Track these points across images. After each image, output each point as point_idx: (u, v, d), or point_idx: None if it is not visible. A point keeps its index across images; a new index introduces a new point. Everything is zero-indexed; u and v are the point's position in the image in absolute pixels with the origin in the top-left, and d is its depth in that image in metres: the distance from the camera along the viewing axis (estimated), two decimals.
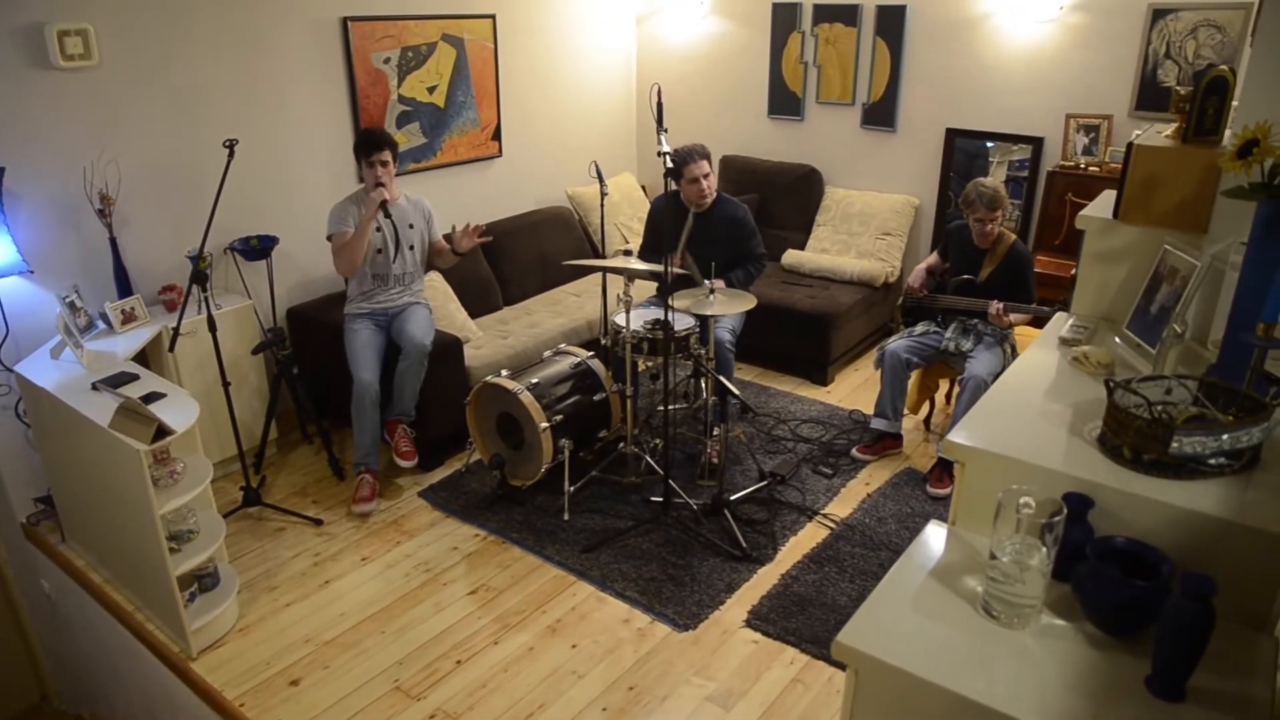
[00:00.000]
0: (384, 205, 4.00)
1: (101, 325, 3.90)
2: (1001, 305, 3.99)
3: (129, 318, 3.90)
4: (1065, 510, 1.53)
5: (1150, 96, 4.69)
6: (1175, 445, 1.65)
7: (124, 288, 3.99)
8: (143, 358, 3.87)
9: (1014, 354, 4.10)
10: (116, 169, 3.90)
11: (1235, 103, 2.26)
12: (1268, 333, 1.70)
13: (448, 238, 4.36)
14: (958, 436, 1.84)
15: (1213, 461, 1.67)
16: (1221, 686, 1.44)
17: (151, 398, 3.23)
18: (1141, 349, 2.18)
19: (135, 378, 3.43)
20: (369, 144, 4.02)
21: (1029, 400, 2.02)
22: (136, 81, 3.96)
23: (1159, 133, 2.47)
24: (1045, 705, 1.41)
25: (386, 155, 4.02)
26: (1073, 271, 2.59)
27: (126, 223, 4.03)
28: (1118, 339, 2.31)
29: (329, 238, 4.09)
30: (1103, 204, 2.56)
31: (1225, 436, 1.65)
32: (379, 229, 4.06)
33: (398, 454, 4.13)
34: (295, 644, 3.28)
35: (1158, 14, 4.59)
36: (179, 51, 4.08)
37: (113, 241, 3.93)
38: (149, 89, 4.01)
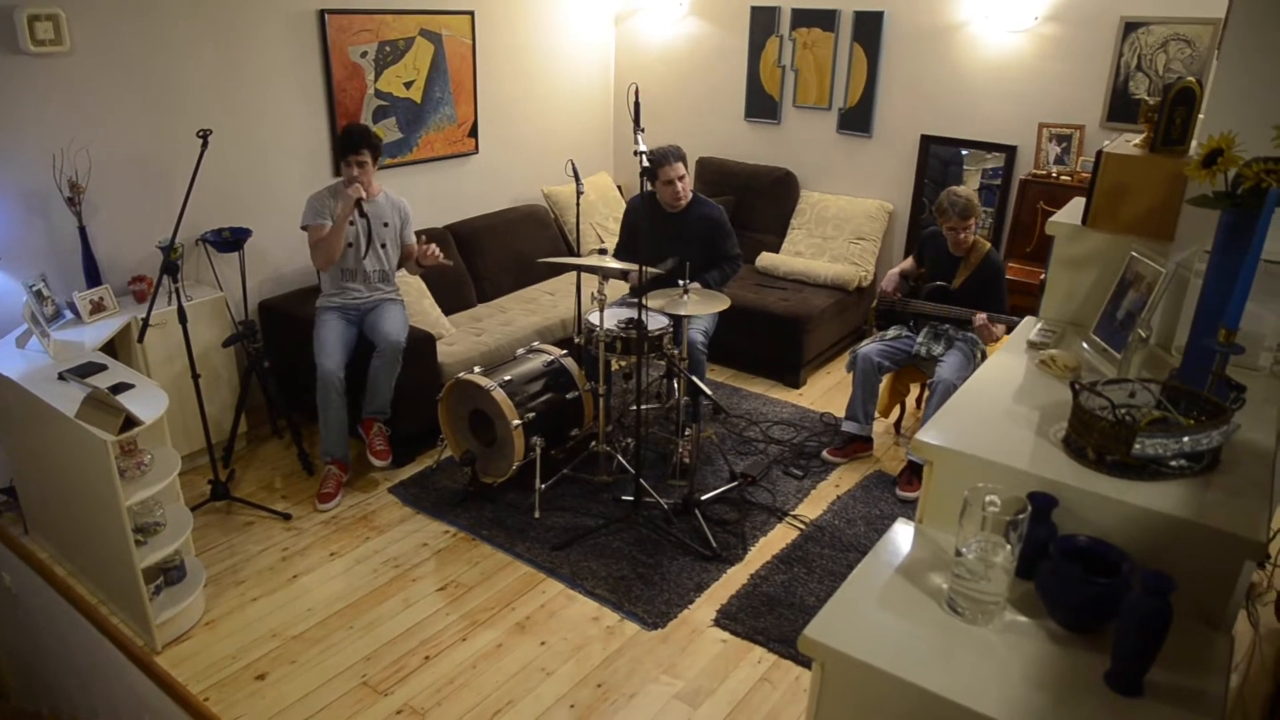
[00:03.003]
0: (359, 203, 3.97)
1: (69, 315, 3.85)
2: (987, 316, 4.02)
3: (97, 308, 3.85)
4: (1030, 509, 1.55)
5: (1121, 108, 4.77)
6: (1138, 447, 1.68)
7: (93, 277, 3.94)
8: (111, 348, 3.82)
9: (983, 359, 4.15)
10: (87, 157, 3.85)
11: (1201, 115, 2.31)
12: (1229, 339, 1.74)
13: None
14: (926, 436, 1.86)
15: (1174, 463, 1.70)
16: (1178, 682, 1.47)
17: (119, 388, 3.19)
18: (1107, 353, 2.21)
19: (103, 368, 3.39)
20: (346, 144, 4.00)
21: (997, 401, 2.05)
22: (109, 69, 3.92)
23: (1128, 141, 2.51)
24: (1007, 699, 1.43)
25: (365, 156, 3.99)
26: (1042, 277, 2.63)
27: (96, 212, 3.98)
28: (1084, 343, 2.35)
29: (304, 227, 4.06)
30: (1072, 211, 2.60)
31: (1186, 439, 1.69)
32: (352, 223, 4.04)
33: (372, 452, 4.10)
34: (262, 638, 3.25)
35: (1129, 27, 4.67)
36: (153, 39, 4.03)
37: (82, 230, 3.88)
38: (121, 77, 3.97)
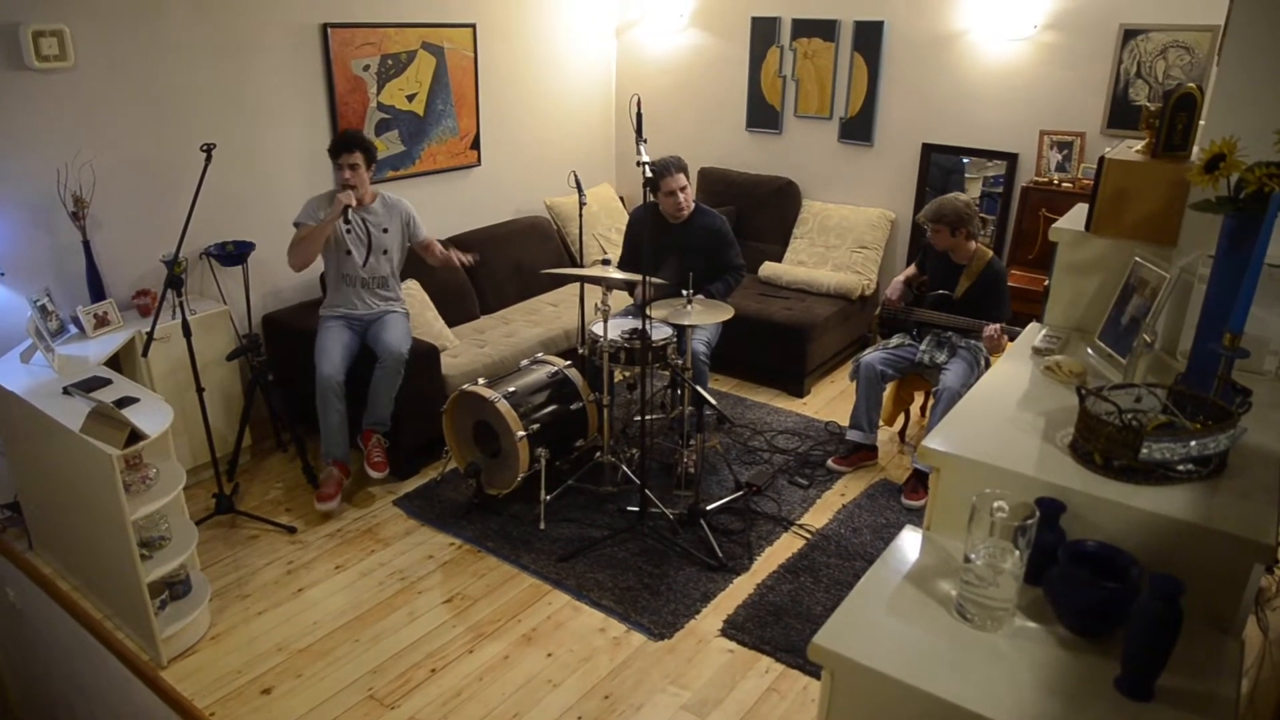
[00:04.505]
0: (346, 210, 3.90)
1: (73, 329, 3.85)
2: (999, 327, 4.01)
3: (101, 322, 3.86)
4: (1037, 514, 1.55)
5: (1122, 114, 4.78)
6: (1145, 451, 1.67)
7: (97, 291, 3.95)
8: (115, 363, 3.83)
9: (987, 366, 4.14)
10: (91, 171, 3.87)
11: (1202, 121, 2.31)
12: (1234, 343, 1.74)
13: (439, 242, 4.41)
14: (933, 442, 1.86)
15: (1181, 467, 1.70)
16: (1189, 686, 1.47)
17: (124, 402, 3.19)
18: (1112, 359, 2.21)
19: (108, 382, 3.39)
20: (338, 145, 4.01)
21: (1003, 408, 2.05)
22: (113, 83, 3.94)
23: (1130, 148, 2.52)
24: (1018, 706, 1.43)
25: (356, 157, 3.98)
26: (1045, 284, 2.63)
27: (100, 226, 3.99)
28: (1089, 349, 2.34)
29: (295, 224, 4.05)
30: (1075, 217, 2.60)
31: (1193, 443, 1.68)
32: (349, 230, 4.02)
33: (369, 464, 4.10)
34: (267, 652, 3.25)
35: (1129, 35, 4.68)
36: (156, 54, 4.05)
37: (86, 245, 3.89)
38: (125, 91, 3.99)
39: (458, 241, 5.32)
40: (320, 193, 4.13)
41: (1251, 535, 1.53)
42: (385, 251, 4.19)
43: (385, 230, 4.17)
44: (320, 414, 4.01)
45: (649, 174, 3.56)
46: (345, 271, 4.13)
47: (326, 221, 3.93)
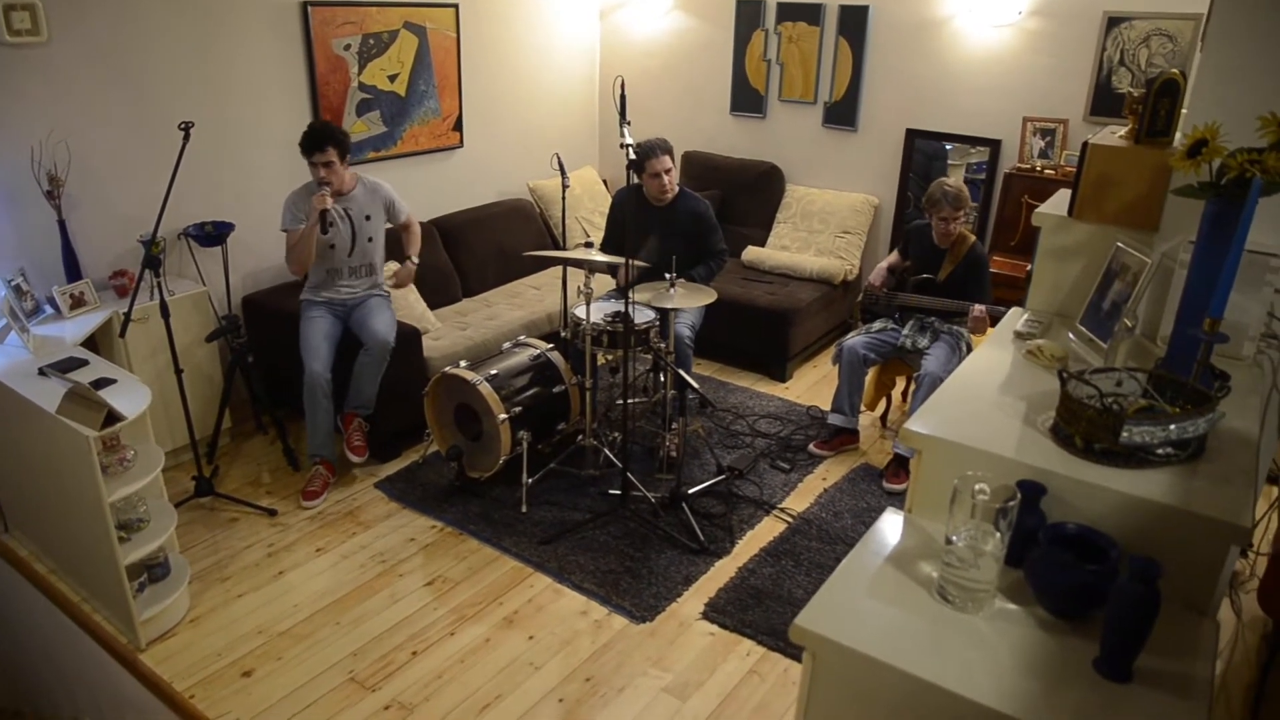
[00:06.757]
0: (323, 215, 3.82)
1: (49, 310, 3.81)
2: (984, 309, 4.02)
3: (78, 302, 3.81)
4: (1019, 496, 1.56)
5: (1105, 102, 4.80)
6: (1125, 435, 1.68)
7: (73, 271, 3.90)
8: (92, 344, 3.78)
9: (969, 351, 4.17)
10: (66, 149, 3.81)
11: (1184, 109, 2.32)
12: (1213, 328, 1.75)
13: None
14: (915, 425, 1.86)
15: (1160, 451, 1.71)
16: (1166, 667, 1.48)
17: (101, 383, 3.16)
18: (1094, 343, 2.23)
19: (84, 363, 3.35)
20: (309, 144, 3.85)
21: (985, 391, 2.06)
22: (88, 60, 3.87)
23: (1113, 133, 2.52)
24: (997, 687, 1.44)
25: (330, 155, 3.85)
26: (1028, 269, 2.65)
27: (76, 205, 3.93)
28: (1071, 334, 2.36)
29: (284, 230, 4.00)
30: (1058, 202, 2.61)
31: (1172, 427, 1.70)
32: (331, 225, 3.95)
33: (349, 448, 4.08)
34: (248, 635, 3.23)
35: (1112, 22, 4.70)
36: (133, 31, 3.99)
37: (61, 224, 3.84)
38: (101, 68, 3.92)
39: (440, 225, 5.31)
40: (297, 187, 4.03)
41: (1228, 518, 1.55)
42: (370, 239, 4.14)
43: (368, 218, 4.11)
44: (308, 411, 3.98)
45: (634, 154, 3.54)
46: (331, 265, 4.08)
47: (309, 228, 3.86)
